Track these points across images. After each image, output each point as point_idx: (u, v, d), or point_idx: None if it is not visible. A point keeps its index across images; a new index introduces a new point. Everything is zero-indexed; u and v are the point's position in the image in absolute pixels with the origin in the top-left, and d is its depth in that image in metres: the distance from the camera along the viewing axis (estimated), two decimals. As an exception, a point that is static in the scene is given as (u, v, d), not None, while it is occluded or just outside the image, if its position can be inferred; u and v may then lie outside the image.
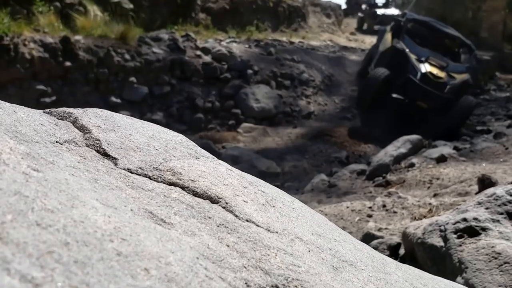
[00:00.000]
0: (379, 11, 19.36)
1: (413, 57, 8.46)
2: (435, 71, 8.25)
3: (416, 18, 10.05)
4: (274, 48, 10.69)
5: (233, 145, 7.50)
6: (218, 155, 6.74)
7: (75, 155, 0.67)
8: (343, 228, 2.47)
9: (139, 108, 7.64)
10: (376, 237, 2.04)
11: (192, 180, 0.69)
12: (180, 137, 0.88)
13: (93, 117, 0.80)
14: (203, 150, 0.85)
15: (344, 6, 21.80)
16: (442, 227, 1.56)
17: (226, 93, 8.74)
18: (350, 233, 2.37)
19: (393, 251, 1.88)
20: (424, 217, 2.60)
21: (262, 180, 0.89)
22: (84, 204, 0.53)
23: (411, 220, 2.55)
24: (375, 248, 1.89)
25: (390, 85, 8.43)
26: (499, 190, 1.76)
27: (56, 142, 0.70)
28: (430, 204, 2.72)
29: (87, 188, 0.58)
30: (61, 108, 0.84)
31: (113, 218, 0.53)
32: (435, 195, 3.14)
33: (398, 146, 4.37)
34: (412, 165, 4.10)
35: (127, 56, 7.73)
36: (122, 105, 7.48)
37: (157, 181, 0.67)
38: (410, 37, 9.15)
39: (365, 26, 18.74)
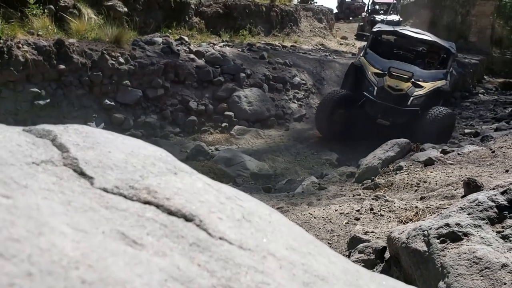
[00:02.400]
0: (378, 17, 18.44)
1: (371, 72, 7.76)
2: (395, 83, 7.47)
3: (383, 29, 9.60)
4: (266, 52, 10.79)
5: (226, 147, 7.58)
6: (211, 157, 6.82)
7: (51, 176, 0.67)
8: (331, 231, 2.57)
9: (133, 111, 7.70)
10: (363, 241, 2.13)
11: (167, 198, 0.70)
12: (160, 151, 0.88)
13: (73, 134, 0.80)
14: (182, 165, 0.86)
15: (335, 11, 21.95)
16: (426, 232, 1.66)
17: (219, 96, 8.82)
18: (338, 236, 2.46)
19: (378, 255, 1.97)
20: (411, 220, 2.70)
21: (242, 193, 0.91)
22: (53, 230, 0.53)
23: (397, 223, 2.66)
24: (361, 251, 1.98)
25: (350, 105, 7.82)
26: (481, 196, 1.86)
27: (32, 163, 0.69)
28: (416, 207, 2.82)
29: (59, 212, 0.58)
30: (40, 126, 0.83)
31: (82, 244, 0.52)
32: (422, 198, 3.25)
33: (386, 149, 4.49)
34: (400, 168, 4.22)
35: (121, 59, 7.78)
36: (116, 108, 7.53)
37: (132, 200, 0.67)
38: (379, 49, 8.60)
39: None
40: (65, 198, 0.63)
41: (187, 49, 9.35)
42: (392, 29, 9.60)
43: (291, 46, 12.80)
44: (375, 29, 9.55)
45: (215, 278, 0.58)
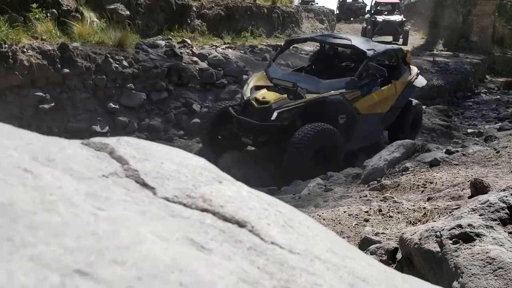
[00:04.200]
0: (380, 18, 17.85)
1: (252, 85, 6.82)
2: (263, 95, 6.41)
3: (296, 38, 9.01)
4: (268, 54, 10.82)
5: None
6: (216, 160, 6.84)
7: (120, 188, 0.71)
8: (341, 233, 2.59)
9: (137, 114, 7.73)
10: (374, 242, 2.15)
11: (221, 206, 0.74)
12: (203, 161, 0.93)
13: (127, 146, 0.84)
14: (224, 174, 0.91)
15: (336, 12, 21.96)
16: (438, 233, 1.68)
17: (222, 98, 8.85)
18: (348, 237, 2.48)
19: (390, 256, 1.99)
20: (419, 221, 2.72)
21: (277, 199, 0.95)
22: (146, 238, 0.58)
23: (406, 224, 2.67)
24: (373, 252, 2.00)
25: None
26: (492, 197, 1.88)
27: (103, 176, 0.73)
28: (424, 208, 2.84)
29: (141, 222, 0.63)
30: (96, 139, 0.87)
31: (169, 250, 0.57)
32: (429, 199, 3.26)
33: (392, 151, 4.51)
34: (406, 169, 4.23)
35: (125, 63, 7.81)
36: (121, 111, 7.56)
37: (191, 208, 0.72)
38: (321, 63, 7.99)
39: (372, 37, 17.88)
40: (139, 208, 0.67)
41: (190, 52, 9.38)
42: (307, 37, 9.03)
43: (293, 47, 12.82)
44: (287, 39, 9.16)
45: (275, 279, 0.62)
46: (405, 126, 7.92)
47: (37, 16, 8.70)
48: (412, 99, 8.34)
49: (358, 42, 7.69)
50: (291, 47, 9.99)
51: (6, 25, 7.21)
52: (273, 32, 14.06)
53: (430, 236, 1.69)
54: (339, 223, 2.67)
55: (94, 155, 0.78)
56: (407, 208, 2.84)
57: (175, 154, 0.89)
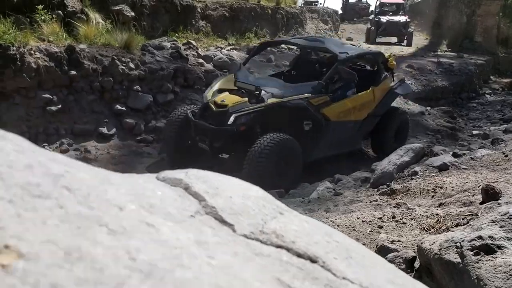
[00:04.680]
0: (384, 18, 17.59)
1: (213, 88, 6.53)
2: (222, 98, 6.12)
3: (270, 41, 8.75)
4: (273, 55, 10.82)
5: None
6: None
7: (207, 227, 0.72)
8: (357, 240, 2.60)
9: (143, 116, 7.75)
10: (391, 250, 2.17)
11: (293, 241, 0.75)
12: (260, 191, 0.94)
13: (197, 180, 0.85)
14: (281, 203, 0.93)
15: (340, 12, 21.95)
16: (458, 244, 1.69)
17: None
18: (364, 244, 2.49)
19: (408, 265, 2.01)
20: (433, 227, 2.73)
21: (329, 227, 0.97)
22: (253, 285, 0.59)
23: (420, 231, 2.69)
24: (392, 261, 2.02)
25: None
26: None
27: (191, 216, 0.74)
28: (437, 214, 2.85)
29: (241, 266, 0.64)
30: (168, 174, 0.87)
31: None
32: (440, 205, 3.27)
33: (401, 155, 4.52)
34: (415, 173, 4.25)
35: (131, 65, 7.83)
36: (127, 113, 7.58)
37: (267, 245, 0.73)
38: (302, 68, 7.56)
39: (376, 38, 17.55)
40: (230, 249, 0.68)
41: (195, 54, 9.40)
42: (281, 40, 8.76)
43: (297, 48, 12.83)
44: (261, 42, 8.91)
45: (355, 315, 0.64)
46: (387, 136, 7.36)
47: (42, 17, 8.72)
48: (397, 107, 7.93)
49: (332, 44, 7.32)
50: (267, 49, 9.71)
51: (13, 28, 7.23)
52: (277, 33, 14.06)
53: (450, 246, 1.71)
54: (354, 229, 2.68)
55: (175, 193, 0.80)
56: (420, 214, 2.86)
57: (236, 185, 0.91)
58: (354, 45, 11.19)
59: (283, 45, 11.21)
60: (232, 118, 5.88)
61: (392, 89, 7.43)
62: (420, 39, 18.56)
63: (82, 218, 0.54)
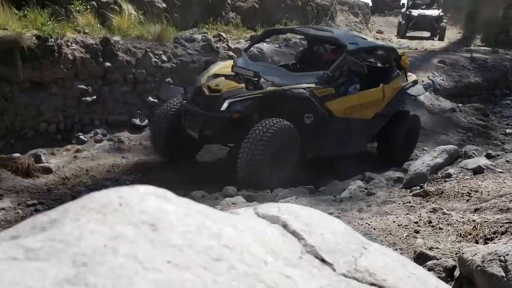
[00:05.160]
0: (415, 12, 16.94)
1: (209, 72, 6.16)
2: (216, 83, 5.69)
3: (275, 29, 8.37)
4: (303, 48, 10.76)
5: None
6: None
7: (314, 268, 0.75)
8: (394, 245, 2.62)
9: (175, 109, 7.86)
10: (429, 257, 2.19)
11: (384, 280, 0.77)
12: (342, 224, 0.97)
13: (291, 216, 0.87)
14: (360, 236, 0.96)
15: (370, 4, 21.59)
16: (502, 258, 1.70)
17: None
18: (401, 249, 2.52)
19: (448, 274, 2.03)
20: (469, 234, 2.73)
21: (403, 258, 0.98)
22: None
23: (456, 237, 2.69)
24: (431, 269, 2.04)
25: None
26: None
27: (300, 257, 0.77)
28: (474, 221, 2.85)
29: None
30: (264, 209, 0.89)
31: None
32: (476, 210, 3.26)
33: (435, 156, 4.49)
34: (449, 175, 4.21)
35: (164, 57, 7.95)
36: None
37: (363, 283, 0.75)
38: (311, 60, 7.02)
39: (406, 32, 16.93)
40: None
41: (226, 46, 9.45)
42: (287, 28, 8.24)
43: (304, 39, 12.71)
44: (266, 29, 8.49)
45: None
46: (396, 140, 6.84)
47: (77, 8, 8.92)
48: (407, 110, 7.45)
49: (341, 35, 6.81)
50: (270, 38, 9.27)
51: (52, 19, 7.42)
52: (307, 25, 13.97)
53: (494, 260, 1.72)
54: (390, 233, 2.71)
55: (279, 232, 0.84)
56: (456, 220, 2.86)
57: (322, 219, 0.94)
58: (380, 39, 10.98)
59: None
60: (225, 104, 5.37)
61: (403, 89, 6.91)
62: (453, 33, 18.13)
63: (247, 277, 0.60)
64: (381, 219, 2.96)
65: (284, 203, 0.97)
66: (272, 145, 5.19)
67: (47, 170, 6.04)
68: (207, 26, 11.90)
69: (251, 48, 9.67)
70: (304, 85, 5.61)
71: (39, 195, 5.74)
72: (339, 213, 3.67)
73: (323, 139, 5.90)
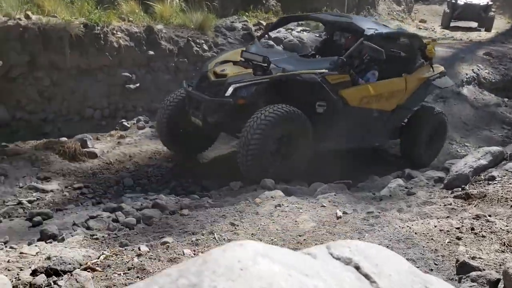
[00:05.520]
0: (461, 1, 15.97)
1: (218, 59, 5.90)
2: (225, 68, 5.43)
3: (291, 16, 7.92)
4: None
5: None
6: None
7: None
8: (435, 251, 2.63)
9: (214, 98, 7.98)
10: (472, 267, 2.20)
11: None
12: (406, 264, 1.00)
13: (359, 255, 0.91)
14: (420, 273, 1.00)
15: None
16: (551, 276, 1.71)
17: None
18: (443, 256, 2.53)
19: (492, 286, 2.04)
20: (514, 243, 2.71)
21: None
22: None
23: (500, 246, 2.67)
24: (474, 280, 2.06)
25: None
26: None
27: None
28: (518, 229, 2.81)
29: None
30: (337, 248, 0.91)
31: None
32: (520, 217, 3.20)
33: (478, 157, 4.40)
34: (492, 178, 4.13)
35: (205, 46, 8.05)
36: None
37: None
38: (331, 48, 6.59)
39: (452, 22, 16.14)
40: None
41: (266, 35, 9.43)
42: (303, 15, 7.84)
43: (324, 28, 12.45)
44: (282, 16, 8.04)
45: None
46: (419, 139, 6.38)
47: (122, -7, 9.10)
48: (432, 106, 6.98)
49: (360, 20, 6.43)
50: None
51: (98, 7, 7.63)
52: (347, 14, 13.75)
53: (542, 277, 1.72)
54: (432, 239, 2.71)
55: (354, 276, 0.88)
56: (500, 228, 2.83)
57: (388, 258, 0.98)
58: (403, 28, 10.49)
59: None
60: (230, 89, 5.07)
61: (429, 80, 6.39)
62: (501, 23, 17.36)
63: None
64: (422, 223, 2.97)
65: (352, 241, 1.01)
66: (271, 133, 4.87)
67: (92, 155, 6.28)
68: (247, 13, 11.90)
69: (292, 38, 9.65)
70: (316, 71, 5.25)
71: (84, 178, 5.99)
72: (379, 212, 3.69)
73: (338, 130, 5.51)
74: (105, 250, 3.31)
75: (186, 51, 7.89)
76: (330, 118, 5.38)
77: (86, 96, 7.10)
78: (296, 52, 7.38)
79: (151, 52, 7.56)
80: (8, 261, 3.11)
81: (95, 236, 3.70)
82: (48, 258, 3.05)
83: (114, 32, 7.34)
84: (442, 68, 6.95)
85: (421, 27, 14.87)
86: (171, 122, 5.83)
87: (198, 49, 7.98)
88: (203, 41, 8.10)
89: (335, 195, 4.26)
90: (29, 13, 6.98)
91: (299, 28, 10.72)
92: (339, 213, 3.71)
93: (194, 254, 3.10)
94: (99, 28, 7.16)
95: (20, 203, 5.27)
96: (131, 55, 7.43)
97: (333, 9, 13.36)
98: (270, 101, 5.10)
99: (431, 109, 6.73)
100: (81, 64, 7.06)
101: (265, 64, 5.22)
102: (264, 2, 12.39)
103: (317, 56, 6.69)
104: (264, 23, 10.46)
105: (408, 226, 2.93)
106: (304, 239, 3.27)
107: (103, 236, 3.70)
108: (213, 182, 5.72)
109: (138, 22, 8.07)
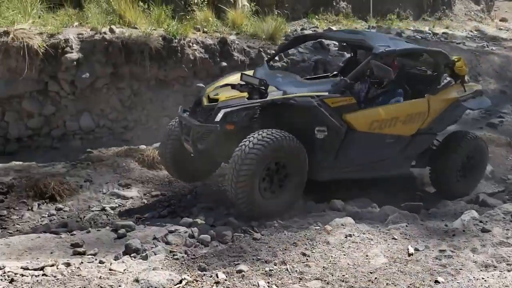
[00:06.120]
0: None
1: (219, 82, 5.55)
2: (218, 92, 5.17)
3: (304, 35, 7.61)
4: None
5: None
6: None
7: None
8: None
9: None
10: None
11: None
12: None
13: None
14: None
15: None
16: None
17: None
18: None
19: None
20: None
21: None
22: None
23: None
24: None
25: None
26: None
27: None
28: None
29: None
30: None
31: None
32: None
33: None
34: None
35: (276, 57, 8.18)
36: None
37: None
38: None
39: None
40: None
41: (336, 43, 9.39)
42: (317, 34, 7.37)
43: (442, 33, 12.04)
44: (295, 35, 7.73)
45: None
46: (449, 168, 5.86)
47: (195, 0, 9.47)
48: (467, 131, 6.33)
49: (373, 36, 5.97)
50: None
51: (176, 20, 7.99)
52: (421, 15, 13.31)
53: None
54: (509, 298, 2.69)
55: None
56: None
57: None
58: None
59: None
60: (220, 115, 4.78)
61: (458, 101, 5.79)
62: None
63: None
64: (498, 276, 2.94)
65: None
66: (262, 163, 4.57)
67: (168, 164, 6.64)
68: (316, 16, 11.89)
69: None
70: (314, 94, 4.90)
71: (161, 186, 6.38)
72: (452, 252, 3.67)
73: (343, 158, 5.14)
74: (185, 273, 3.57)
75: (257, 61, 8.06)
76: (332, 145, 5.02)
77: (163, 106, 7.51)
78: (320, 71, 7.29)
79: (224, 64, 7.83)
80: (100, 277, 3.43)
81: (175, 256, 3.97)
82: (136, 280, 3.35)
83: (190, 44, 7.67)
84: (478, 87, 6.39)
85: (501, 27, 14.03)
86: (176, 149, 5.56)
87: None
88: (273, 51, 8.23)
89: (406, 226, 4.25)
90: (113, 27, 7.47)
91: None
92: (411, 249, 3.72)
93: (268, 286, 3.28)
94: (176, 41, 7.51)
95: (103, 209, 5.74)
96: (205, 67, 7.75)
97: (406, 10, 13.00)
98: (264, 127, 4.78)
99: (465, 133, 6.13)
100: (159, 76, 7.48)
101: (262, 87, 4.93)
102: (334, 4, 12.29)
103: (340, 77, 5.89)
104: (334, 28, 10.41)
105: (483, 279, 2.92)
106: (376, 277, 3.33)
107: (182, 257, 3.96)
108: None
109: (211, 32, 8.36)
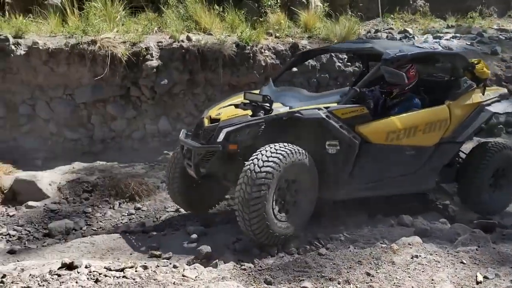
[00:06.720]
0: None
1: (224, 103, 5.15)
2: (221, 112, 4.80)
3: (311, 50, 7.11)
4: (500, 46, 9.71)
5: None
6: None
7: None
8: None
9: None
10: None
11: None
12: None
13: None
14: None
15: None
16: None
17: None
18: None
19: None
20: None
21: None
22: None
23: None
24: None
25: None
26: None
27: None
28: None
29: None
30: None
31: None
32: None
33: None
34: None
35: (346, 61, 8.13)
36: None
37: None
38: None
39: None
40: None
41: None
42: (323, 48, 6.79)
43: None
44: (301, 51, 7.14)
45: None
46: (478, 181, 5.47)
47: (269, 3, 9.61)
48: (496, 141, 5.92)
49: (383, 43, 5.66)
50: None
51: (249, 25, 8.19)
52: (507, 11, 12.46)
53: None
54: None
55: None
56: None
57: None
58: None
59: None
60: (222, 135, 4.46)
61: (481, 106, 5.43)
62: None
63: None
64: None
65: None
66: (275, 183, 4.19)
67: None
68: (392, 15, 11.59)
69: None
70: (321, 105, 4.55)
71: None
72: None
73: (359, 174, 4.76)
74: (252, 285, 3.76)
75: (328, 66, 8.07)
76: (346, 160, 4.64)
77: (235, 111, 7.76)
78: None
79: (295, 69, 7.90)
80: (174, 283, 3.70)
81: (243, 266, 4.17)
82: (208, 290, 3.59)
83: (262, 51, 7.83)
84: (503, 90, 5.92)
85: None
86: (183, 176, 5.22)
87: (340, 64, 8.10)
88: (345, 56, 8.18)
89: (477, 249, 4.14)
90: (190, 34, 7.82)
91: (449, 36, 10.06)
92: (480, 277, 3.64)
93: (332, 305, 3.38)
94: (249, 48, 7.71)
95: (177, 210, 6.07)
96: (275, 72, 7.86)
97: (490, 7, 12.24)
98: (272, 138, 4.48)
99: (494, 144, 5.69)
100: (232, 81, 7.73)
101: (267, 104, 4.65)
102: (411, 3, 11.88)
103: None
104: (411, 30, 10.10)
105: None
106: (440, 305, 3.31)
107: (249, 267, 4.14)
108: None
109: (283, 37, 8.47)
